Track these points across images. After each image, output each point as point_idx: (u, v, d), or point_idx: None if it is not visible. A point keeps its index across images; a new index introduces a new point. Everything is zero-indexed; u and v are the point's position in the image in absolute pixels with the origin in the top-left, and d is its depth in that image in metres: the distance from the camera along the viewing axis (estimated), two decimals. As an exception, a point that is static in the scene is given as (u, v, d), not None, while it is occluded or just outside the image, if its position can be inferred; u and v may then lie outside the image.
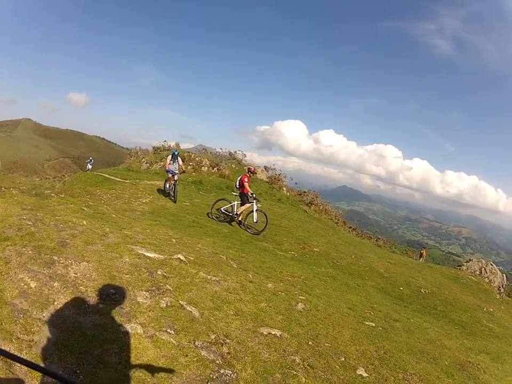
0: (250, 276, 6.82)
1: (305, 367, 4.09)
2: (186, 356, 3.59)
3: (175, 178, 15.86)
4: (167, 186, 16.54)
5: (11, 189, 9.61)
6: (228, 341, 4.13)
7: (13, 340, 3.19)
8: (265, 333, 4.58)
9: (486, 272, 18.77)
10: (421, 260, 27.36)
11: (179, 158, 16.48)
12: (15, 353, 2.92)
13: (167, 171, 16.24)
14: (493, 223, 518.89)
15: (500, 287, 18.03)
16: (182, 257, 6.51)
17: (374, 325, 6.10)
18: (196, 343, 3.87)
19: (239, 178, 14.17)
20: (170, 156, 16.34)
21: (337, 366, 4.33)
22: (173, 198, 15.61)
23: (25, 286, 4.04)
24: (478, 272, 18.82)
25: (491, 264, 19.98)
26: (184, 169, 17.61)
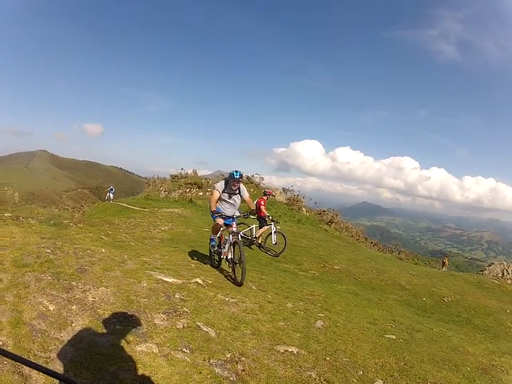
0: (269, 297, 6.82)
1: (322, 382, 4.02)
2: (200, 373, 3.63)
3: (234, 229, 7.95)
4: (214, 243, 8.57)
5: (29, 219, 9.88)
6: (243, 359, 4.14)
7: (30, 356, 3.34)
8: (281, 351, 4.55)
9: (509, 274, 18.45)
10: (443, 268, 26.78)
11: (242, 186, 8.45)
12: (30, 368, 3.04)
13: (213, 213, 8.00)
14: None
15: (523, 287, 17.67)
16: (200, 281, 6.60)
17: (394, 337, 5.96)
18: (211, 361, 3.90)
19: (255, 202, 14.26)
20: (223, 181, 8.36)
21: (354, 380, 4.24)
22: (235, 277, 7.45)
23: (44, 309, 4.22)
24: (500, 275, 18.50)
25: (513, 265, 19.63)
26: (252, 205, 8.90)
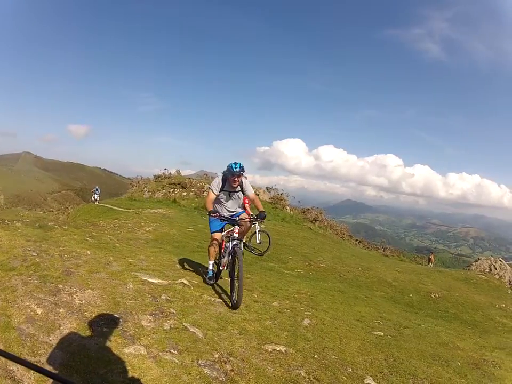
0: (255, 296, 6.81)
1: (311, 380, 4.06)
2: (189, 374, 3.64)
3: (235, 235, 6.44)
4: (211, 274, 6.93)
5: (15, 222, 9.75)
6: (231, 358, 4.15)
7: (20, 361, 3.29)
8: (269, 350, 4.57)
9: (496, 269, 18.70)
10: (429, 265, 27.15)
11: (244, 181, 6.75)
12: (22, 372, 3.02)
13: (210, 213, 6.43)
14: (499, 219, 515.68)
15: (510, 281, 17.95)
16: (185, 282, 6.56)
17: (382, 334, 6.01)
18: (199, 362, 3.91)
19: None
20: (220, 178, 6.68)
21: (344, 377, 4.28)
22: (231, 296, 6.14)
23: (32, 313, 4.18)
24: (487, 270, 18.76)
25: (500, 260, 19.91)
26: (260, 205, 6.75)
